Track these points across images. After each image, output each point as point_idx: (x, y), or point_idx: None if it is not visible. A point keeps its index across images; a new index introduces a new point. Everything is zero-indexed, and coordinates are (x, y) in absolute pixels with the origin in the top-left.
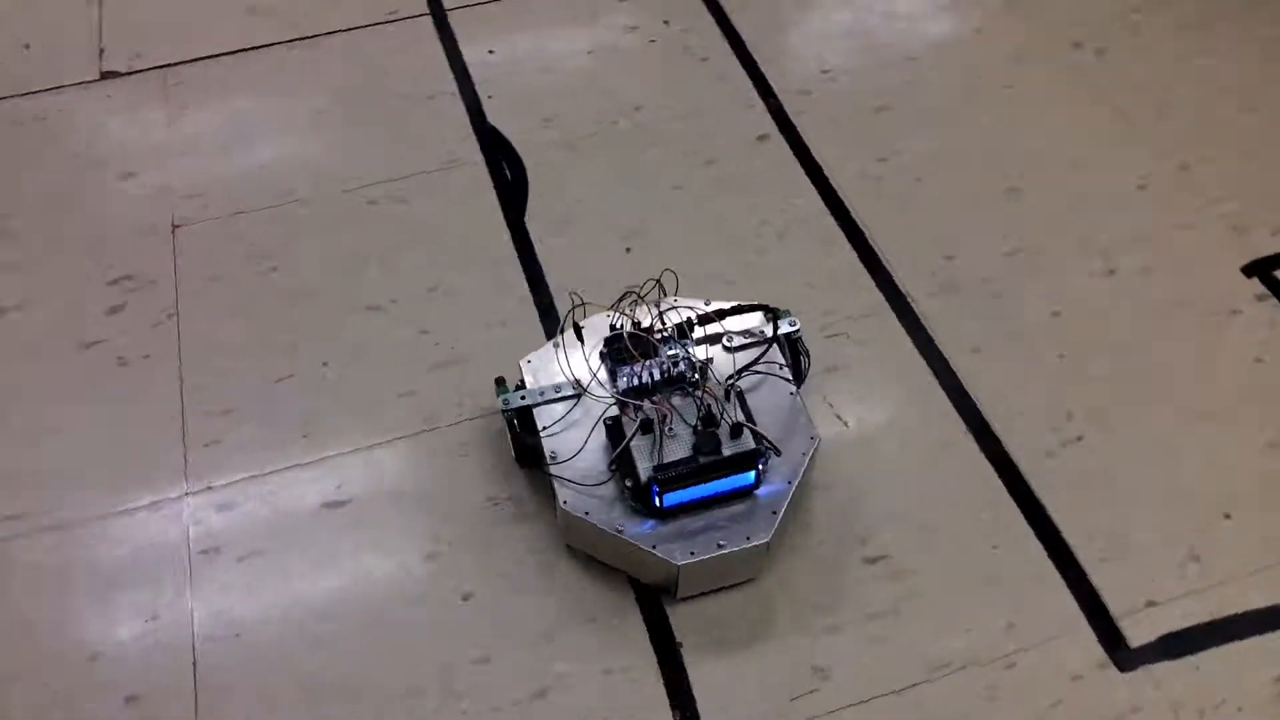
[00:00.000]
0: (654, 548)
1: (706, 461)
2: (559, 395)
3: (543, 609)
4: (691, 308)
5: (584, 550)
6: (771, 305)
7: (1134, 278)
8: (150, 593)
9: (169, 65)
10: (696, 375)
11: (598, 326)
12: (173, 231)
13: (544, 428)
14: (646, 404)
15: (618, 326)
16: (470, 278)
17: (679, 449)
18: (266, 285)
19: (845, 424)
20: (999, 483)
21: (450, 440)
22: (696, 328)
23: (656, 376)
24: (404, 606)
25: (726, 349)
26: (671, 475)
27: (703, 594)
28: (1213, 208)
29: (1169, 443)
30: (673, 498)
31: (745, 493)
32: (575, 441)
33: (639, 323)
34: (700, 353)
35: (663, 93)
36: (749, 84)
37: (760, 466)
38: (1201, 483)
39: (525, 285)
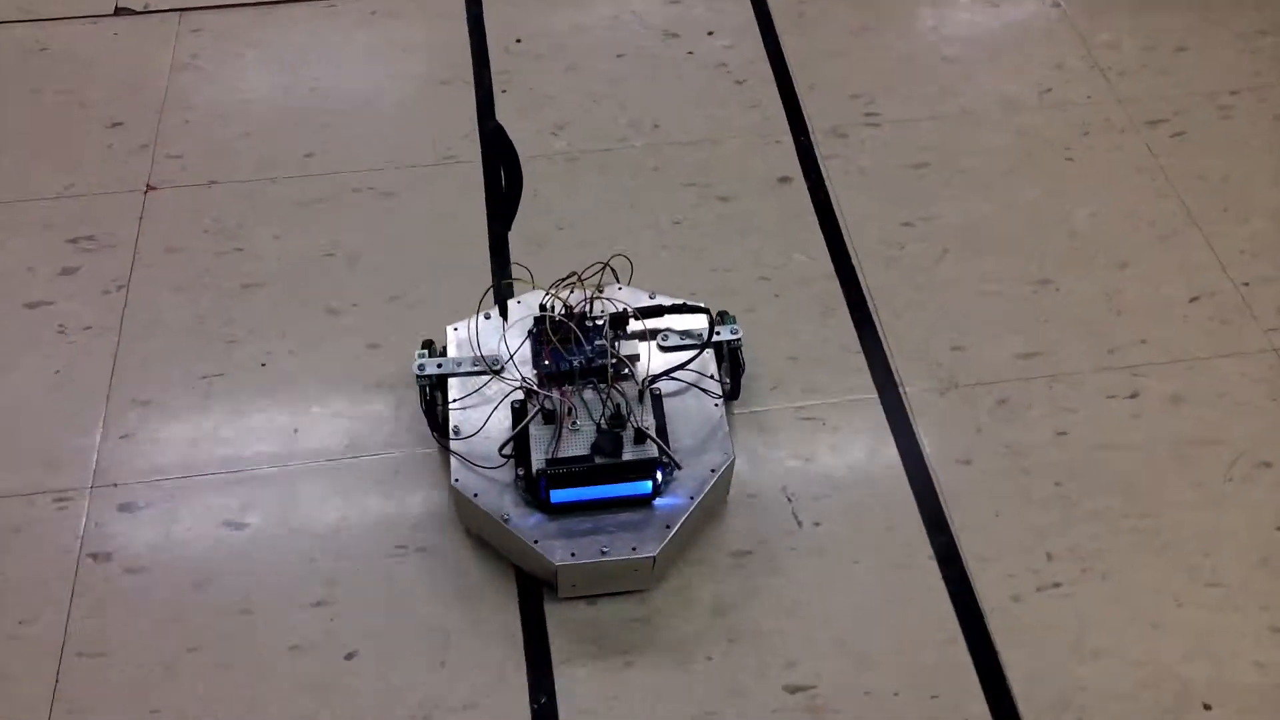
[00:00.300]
0: (535, 543)
1: (602, 463)
2: (473, 370)
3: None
4: (627, 304)
5: (475, 532)
6: (720, 310)
7: (1160, 406)
8: (28, 594)
9: (186, 9)
10: (617, 370)
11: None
12: (145, 193)
13: (455, 399)
14: (555, 393)
15: (547, 308)
16: (437, 290)
17: (578, 445)
18: (224, 267)
19: (799, 524)
20: (955, 624)
21: (376, 471)
22: (634, 321)
23: (578, 366)
24: (286, 656)
25: (661, 347)
26: (563, 471)
27: (587, 597)
28: (1270, 338)
29: (1159, 608)
30: (561, 494)
31: (642, 501)
32: (482, 419)
33: (570, 307)
34: (631, 347)
35: (687, 113)
36: (782, 116)
37: (659, 477)
38: (1187, 663)
39: (494, 309)
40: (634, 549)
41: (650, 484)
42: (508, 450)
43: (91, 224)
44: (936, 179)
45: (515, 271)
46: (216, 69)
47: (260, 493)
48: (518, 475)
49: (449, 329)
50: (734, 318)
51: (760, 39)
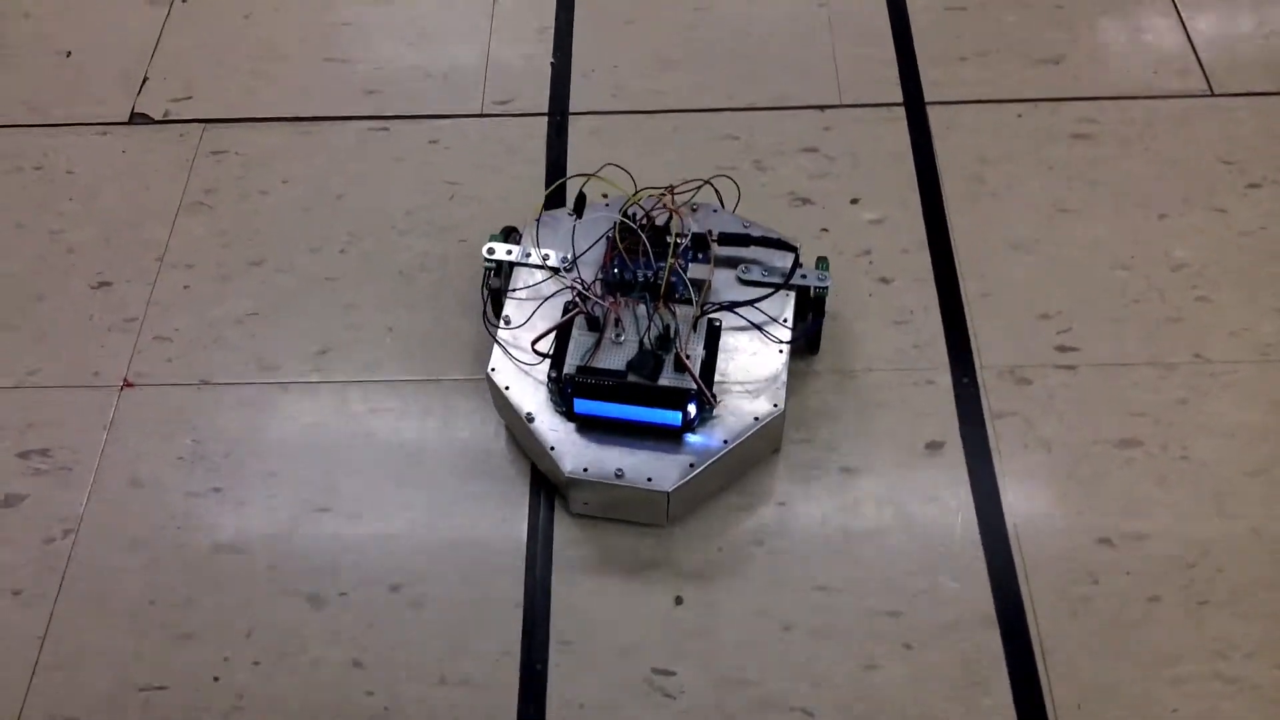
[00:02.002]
0: (551, 448)
1: (634, 381)
2: (540, 264)
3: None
4: (712, 226)
5: (506, 423)
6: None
7: None
8: None
9: (212, 121)
10: (683, 292)
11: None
12: (120, 389)
13: (513, 289)
14: (605, 301)
15: (629, 216)
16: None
17: (615, 359)
18: (196, 517)
19: None
20: None
21: None
22: (717, 245)
23: (640, 279)
24: None
25: (740, 279)
26: (592, 382)
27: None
28: None
29: None
30: (586, 405)
31: (673, 433)
32: (535, 315)
33: (651, 217)
34: (702, 272)
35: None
36: (941, 344)
37: (693, 411)
38: None
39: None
40: (650, 479)
41: (680, 416)
42: (541, 346)
43: (50, 430)
44: (1150, 469)
45: (614, 174)
46: (233, 213)
47: None
48: (550, 377)
49: (529, 220)
50: (827, 263)
51: (921, 216)
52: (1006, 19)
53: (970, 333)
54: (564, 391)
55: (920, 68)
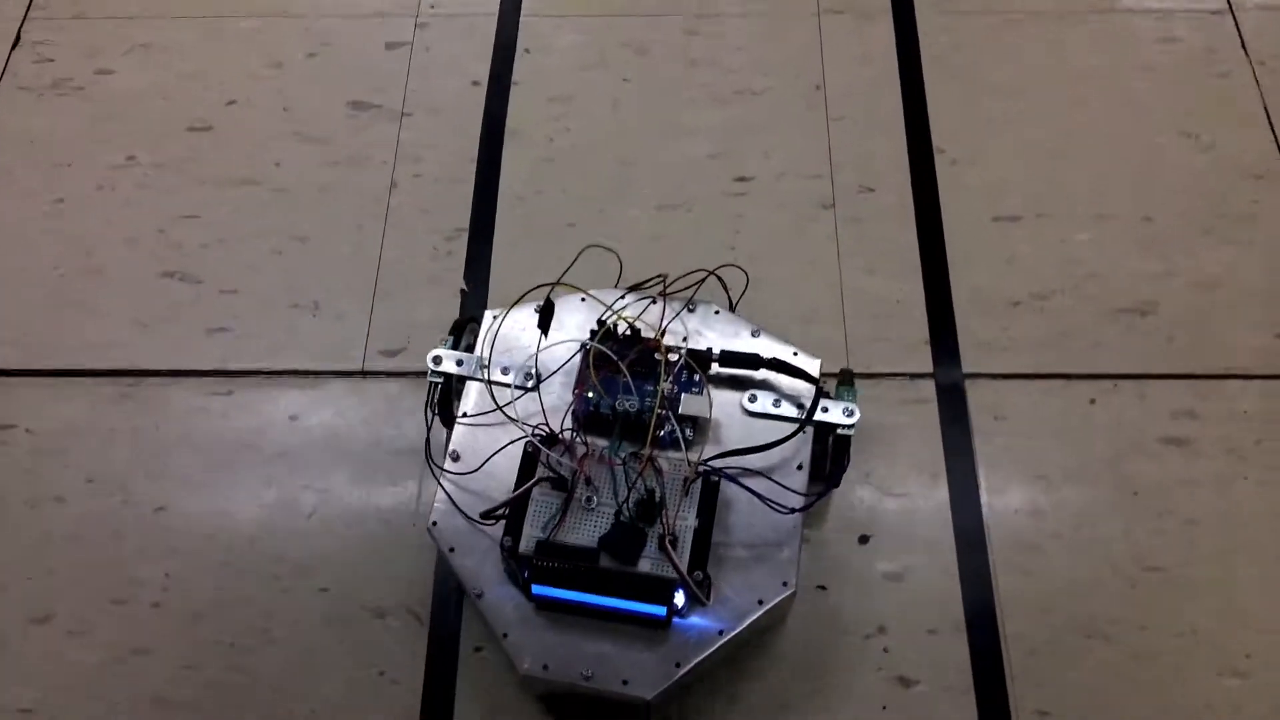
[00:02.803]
0: (505, 635)
1: (607, 567)
2: (499, 380)
3: None
4: (714, 343)
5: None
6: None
7: None
8: None
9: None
10: (671, 432)
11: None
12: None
13: (464, 414)
14: (569, 457)
15: (607, 325)
16: None
17: (585, 532)
18: None
19: None
20: None
21: None
22: (716, 366)
23: (620, 412)
24: None
25: (746, 410)
26: (554, 565)
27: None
28: None
29: None
30: (547, 591)
31: (657, 621)
32: (489, 450)
33: (635, 329)
34: (697, 405)
35: None
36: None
37: (680, 601)
38: None
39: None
40: (625, 682)
41: (664, 609)
42: (494, 516)
43: None
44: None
45: (598, 257)
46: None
47: None
48: (504, 546)
49: (488, 313)
50: (853, 386)
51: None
52: None
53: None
54: (520, 573)
55: None
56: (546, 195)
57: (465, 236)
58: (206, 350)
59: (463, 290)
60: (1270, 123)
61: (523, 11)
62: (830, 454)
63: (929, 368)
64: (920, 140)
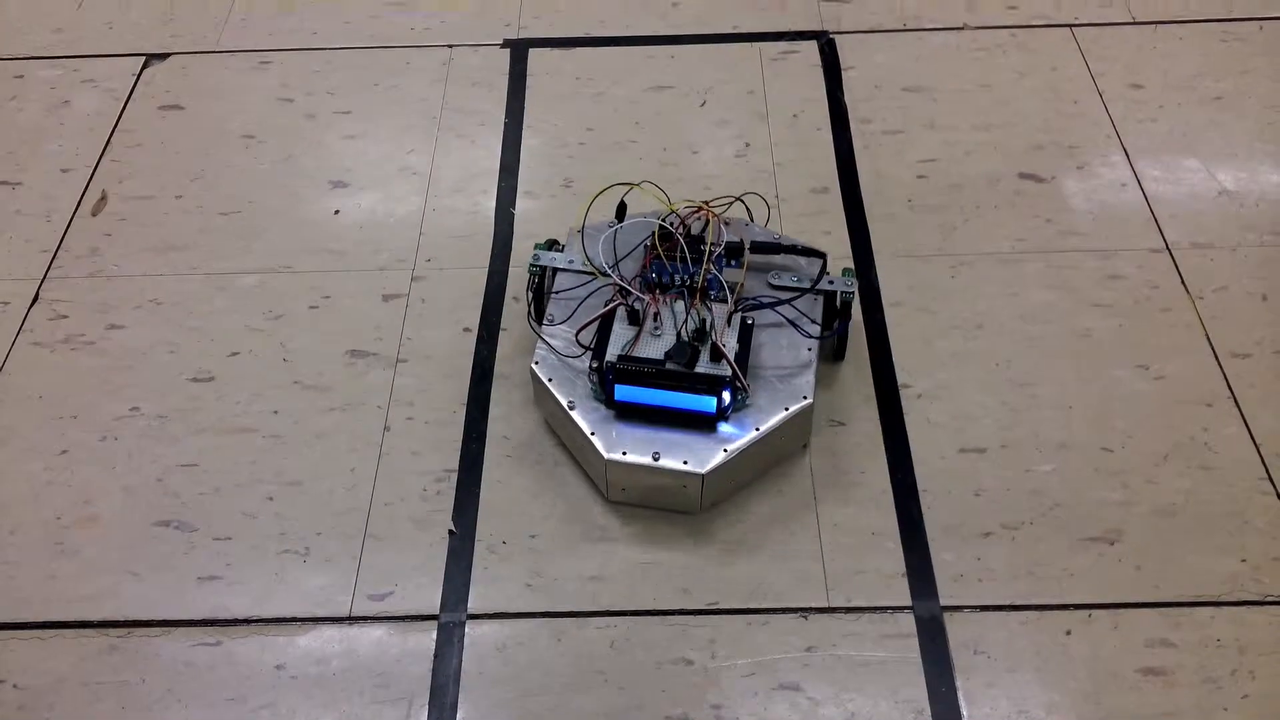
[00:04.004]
0: (592, 433)
1: (672, 369)
2: (582, 269)
3: None
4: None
5: (549, 421)
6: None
7: None
8: None
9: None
10: (718, 293)
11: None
12: None
13: (557, 290)
14: (646, 296)
15: (669, 225)
16: None
17: (654, 349)
18: None
19: None
20: None
21: None
22: (749, 253)
23: (678, 279)
24: None
25: (771, 285)
26: (632, 369)
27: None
28: None
29: None
30: (626, 392)
31: (707, 421)
32: (578, 311)
33: (687, 225)
34: (735, 276)
35: None
36: None
37: (726, 399)
38: None
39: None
40: (685, 461)
41: (715, 402)
42: (584, 337)
43: None
44: None
45: (650, 190)
46: None
47: None
48: (591, 366)
49: (571, 227)
50: (853, 273)
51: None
52: None
53: None
54: (605, 379)
55: None
56: (532, 438)
57: (454, 477)
58: (197, 599)
59: (451, 532)
60: (1214, 352)
61: (511, 262)
62: (838, 313)
63: (907, 600)
64: (886, 375)
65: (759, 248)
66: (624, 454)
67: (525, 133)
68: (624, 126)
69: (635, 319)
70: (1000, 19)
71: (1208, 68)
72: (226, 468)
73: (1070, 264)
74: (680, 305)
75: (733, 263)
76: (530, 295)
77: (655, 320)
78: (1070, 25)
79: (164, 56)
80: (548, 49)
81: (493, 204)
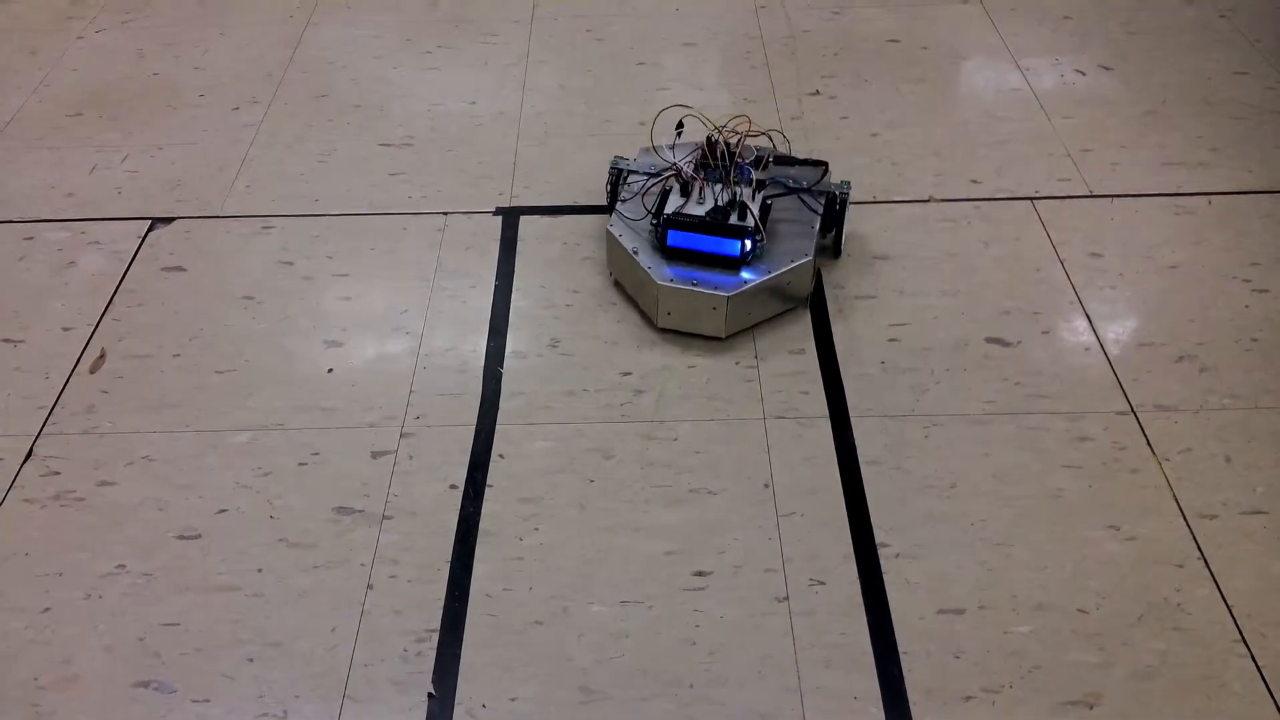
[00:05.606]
0: (649, 269)
1: (710, 220)
2: (650, 171)
3: None
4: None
5: (618, 279)
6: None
7: None
8: None
9: None
10: (740, 175)
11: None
12: None
13: (627, 184)
14: (695, 176)
15: (714, 139)
16: None
17: (698, 211)
18: None
19: None
20: None
21: None
22: (772, 164)
23: (720, 167)
24: None
25: (786, 186)
26: (682, 220)
27: (679, 332)
28: None
29: None
30: (676, 237)
31: (733, 262)
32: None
33: (727, 141)
34: (762, 174)
35: None
36: None
37: (748, 245)
38: None
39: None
40: (716, 288)
41: (739, 244)
42: (648, 202)
43: None
44: None
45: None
46: None
47: None
48: (652, 224)
49: (641, 146)
50: (849, 184)
51: None
52: None
53: None
54: (661, 229)
55: None
56: (515, 593)
57: (436, 637)
58: None
59: (430, 695)
60: (1182, 512)
61: (499, 420)
62: (836, 215)
63: None
64: (864, 535)
65: (778, 160)
66: (671, 281)
67: (515, 295)
68: (609, 289)
69: (685, 190)
70: (964, 192)
71: (1162, 238)
72: (209, 626)
73: (1039, 425)
74: (719, 187)
75: (750, 163)
76: (609, 188)
77: (699, 194)
78: (1031, 199)
79: (169, 220)
80: (538, 216)
81: (481, 363)
